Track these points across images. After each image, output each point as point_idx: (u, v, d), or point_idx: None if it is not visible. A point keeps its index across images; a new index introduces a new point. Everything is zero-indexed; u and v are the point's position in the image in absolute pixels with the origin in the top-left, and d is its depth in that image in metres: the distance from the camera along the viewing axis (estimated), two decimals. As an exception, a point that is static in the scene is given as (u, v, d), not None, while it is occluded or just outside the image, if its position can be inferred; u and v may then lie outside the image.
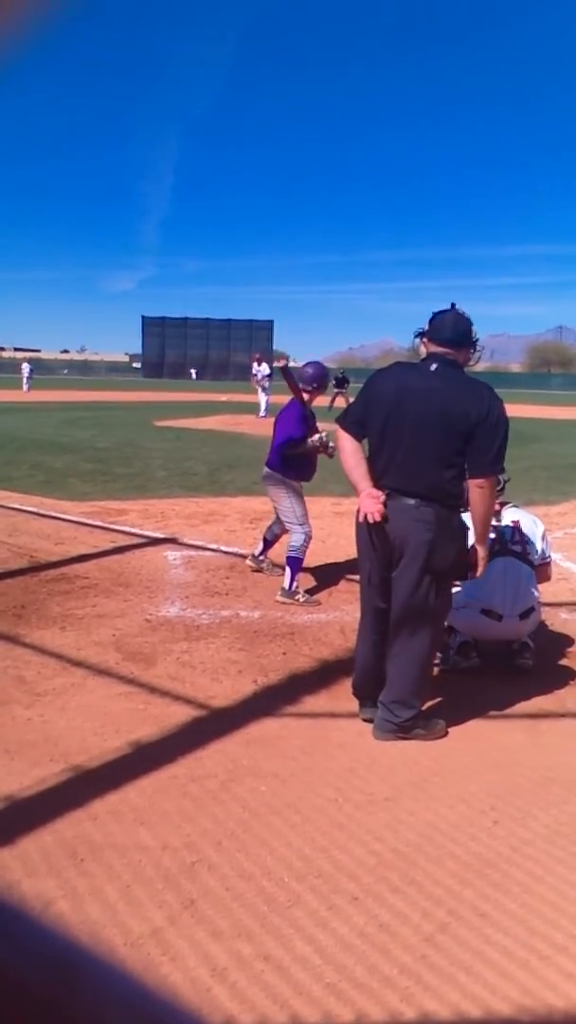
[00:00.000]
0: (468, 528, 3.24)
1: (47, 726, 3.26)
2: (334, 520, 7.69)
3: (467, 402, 3.06)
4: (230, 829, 2.60)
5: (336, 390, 24.17)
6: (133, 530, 7.07)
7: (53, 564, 5.82)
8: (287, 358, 6.38)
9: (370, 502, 3.08)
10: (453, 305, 3.32)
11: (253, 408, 23.14)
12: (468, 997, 1.93)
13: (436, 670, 4.02)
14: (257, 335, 76.69)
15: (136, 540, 6.70)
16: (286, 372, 5.95)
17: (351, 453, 3.24)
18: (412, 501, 3.06)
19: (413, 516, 3.07)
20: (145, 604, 4.97)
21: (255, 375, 22.37)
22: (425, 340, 3.28)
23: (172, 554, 6.25)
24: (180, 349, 79.26)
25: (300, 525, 5.23)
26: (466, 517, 3.25)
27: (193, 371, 71.41)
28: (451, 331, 3.21)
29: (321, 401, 5.55)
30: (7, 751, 3.04)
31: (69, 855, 2.41)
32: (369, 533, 3.14)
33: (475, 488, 3.10)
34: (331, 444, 5.23)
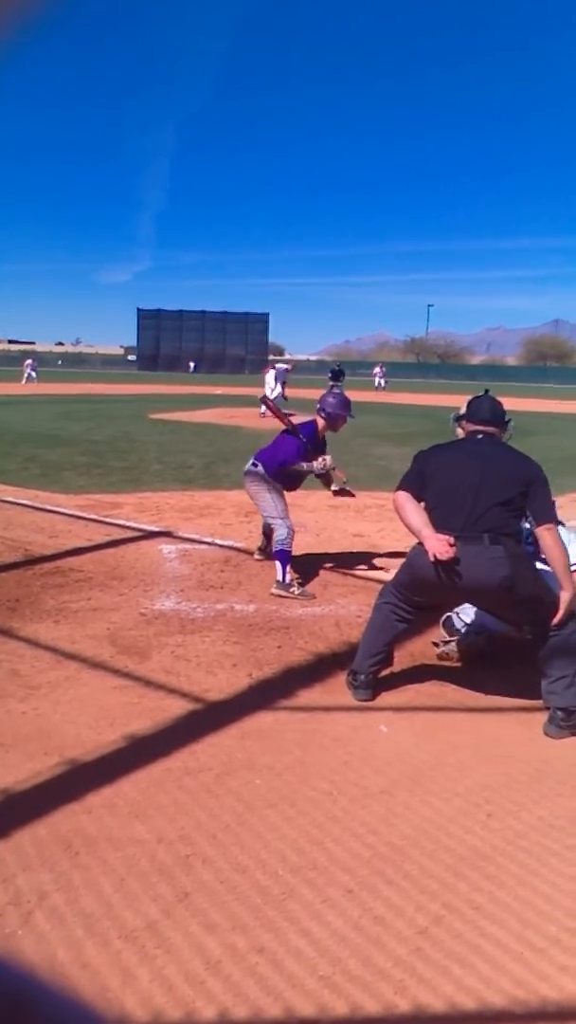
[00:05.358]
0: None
1: (41, 720, 3.26)
2: (328, 513, 7.69)
3: (518, 463, 3.50)
4: (225, 822, 2.60)
5: (332, 383, 24.15)
6: (128, 523, 7.05)
7: (47, 557, 5.80)
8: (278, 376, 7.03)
9: (439, 544, 3.31)
10: (487, 391, 3.85)
11: (249, 401, 23.04)
12: (462, 989, 1.93)
13: (444, 655, 4.04)
14: (252, 328, 76.42)
15: (131, 533, 6.69)
16: (268, 403, 6.57)
17: (413, 507, 3.52)
18: (481, 543, 3.31)
19: (487, 557, 3.30)
20: (140, 598, 4.96)
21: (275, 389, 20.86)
22: (463, 422, 3.73)
23: (167, 548, 6.24)
24: (175, 342, 78.88)
25: (282, 519, 5.34)
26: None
27: (192, 363, 71.10)
28: (489, 412, 3.68)
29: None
30: (1, 744, 3.03)
31: (64, 848, 2.41)
32: (437, 571, 3.35)
33: (546, 533, 3.39)
34: (333, 469, 5.53)
